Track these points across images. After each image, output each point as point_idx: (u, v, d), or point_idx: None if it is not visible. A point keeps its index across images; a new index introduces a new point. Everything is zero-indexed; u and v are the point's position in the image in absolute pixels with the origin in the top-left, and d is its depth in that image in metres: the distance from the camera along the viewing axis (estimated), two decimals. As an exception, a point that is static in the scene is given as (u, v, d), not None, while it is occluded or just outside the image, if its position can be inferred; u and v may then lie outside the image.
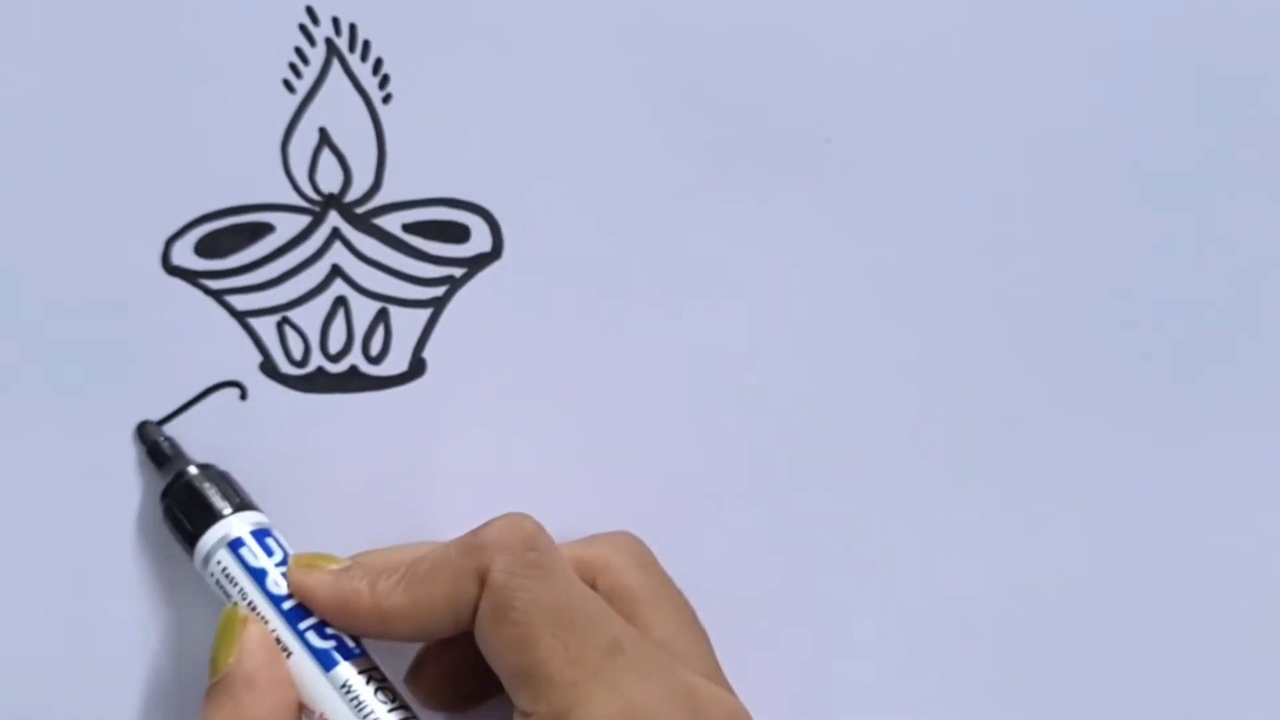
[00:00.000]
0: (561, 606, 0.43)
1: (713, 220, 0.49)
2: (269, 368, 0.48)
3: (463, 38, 0.48)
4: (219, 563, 0.46)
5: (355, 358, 0.48)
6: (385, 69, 0.48)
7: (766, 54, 0.49)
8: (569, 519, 0.47)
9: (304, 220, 0.48)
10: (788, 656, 0.49)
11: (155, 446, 0.47)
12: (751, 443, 0.49)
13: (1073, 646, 0.50)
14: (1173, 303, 0.50)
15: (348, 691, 0.44)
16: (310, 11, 0.47)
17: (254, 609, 0.45)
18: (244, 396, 0.48)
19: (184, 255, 0.48)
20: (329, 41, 0.48)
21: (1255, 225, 0.50)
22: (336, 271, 0.48)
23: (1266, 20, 0.50)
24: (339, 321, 0.48)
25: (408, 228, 0.48)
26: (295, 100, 0.48)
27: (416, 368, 0.48)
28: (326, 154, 0.48)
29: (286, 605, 0.45)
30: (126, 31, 0.47)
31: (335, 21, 0.48)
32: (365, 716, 0.43)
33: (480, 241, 0.48)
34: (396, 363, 0.48)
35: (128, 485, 0.48)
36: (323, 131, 0.48)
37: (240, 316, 0.48)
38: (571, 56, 0.48)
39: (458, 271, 0.48)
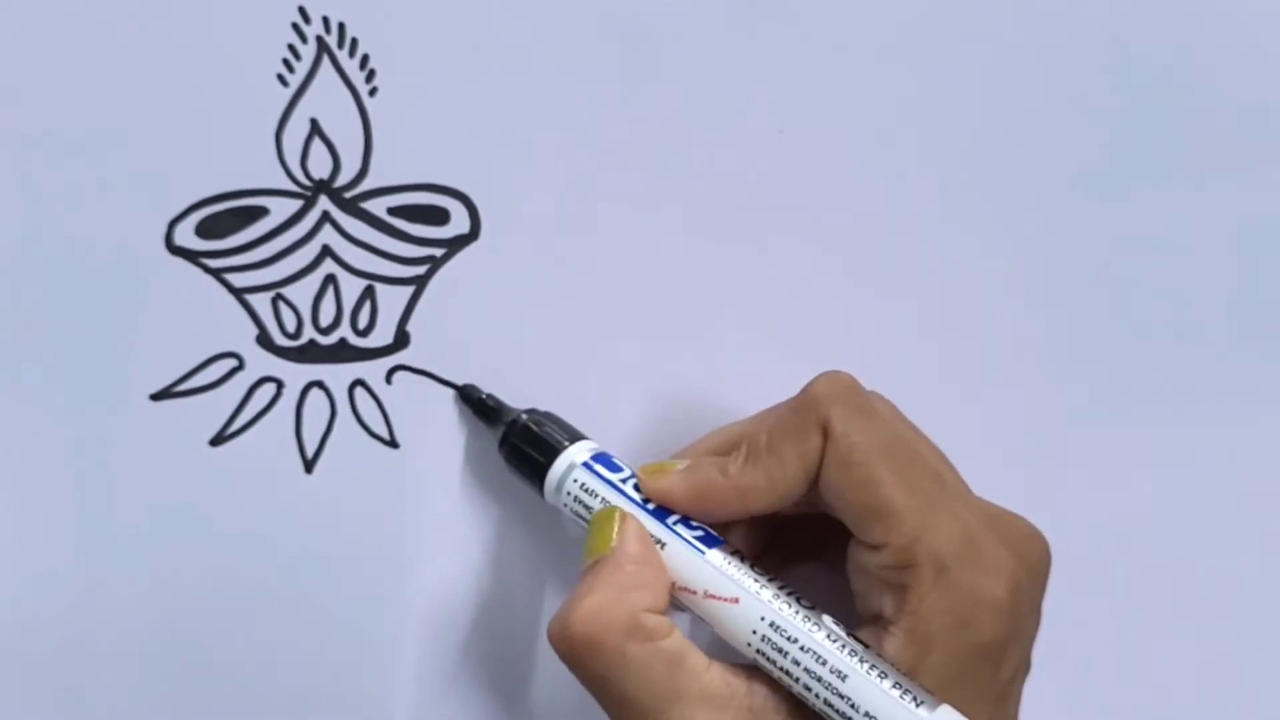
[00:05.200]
0: (894, 445, 0.45)
1: (674, 206, 0.52)
2: (265, 340, 0.51)
3: (444, 35, 0.50)
4: (576, 481, 0.48)
5: (344, 331, 0.51)
6: (372, 64, 0.50)
7: (726, 49, 0.51)
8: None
9: (296, 204, 0.50)
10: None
11: (481, 404, 0.50)
12: (721, 417, 0.51)
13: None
14: (1098, 287, 0.54)
15: (726, 569, 0.46)
16: (302, 11, 0.49)
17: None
18: (241, 367, 0.51)
19: (185, 236, 0.50)
20: (319, 39, 0.50)
21: (1178, 213, 0.54)
22: (326, 251, 0.50)
23: (1187, 20, 0.53)
24: (329, 297, 0.51)
25: (392, 211, 0.51)
26: (288, 93, 0.50)
27: (401, 340, 0.51)
28: (317, 143, 0.50)
29: (650, 507, 0.47)
30: (134, 31, 0.49)
31: (325, 20, 0.49)
32: (746, 588, 0.45)
33: (459, 224, 0.51)
34: (382, 335, 0.51)
35: (137, 450, 0.50)
36: (314, 122, 0.50)
37: (238, 293, 0.50)
38: (543, 53, 0.51)
39: (438, 252, 0.51)
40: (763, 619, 0.45)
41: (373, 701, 0.52)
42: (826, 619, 0.45)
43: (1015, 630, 0.45)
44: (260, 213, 0.50)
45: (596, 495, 0.48)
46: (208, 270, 0.50)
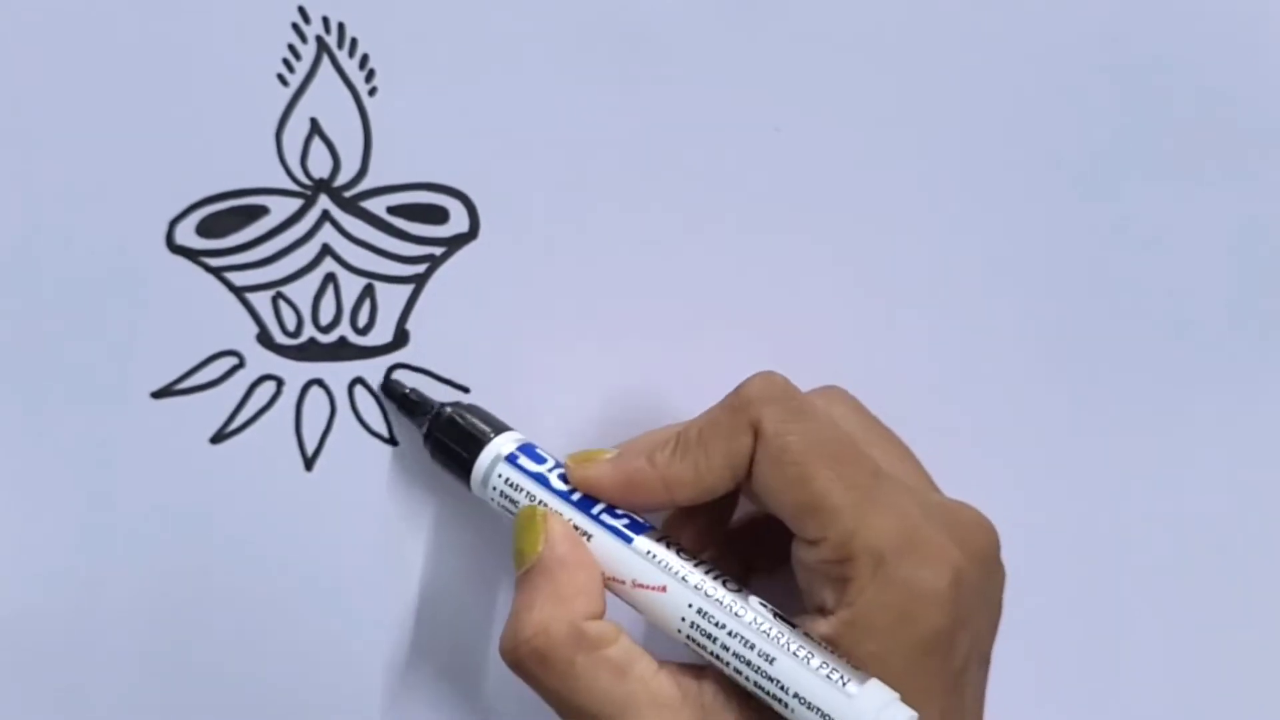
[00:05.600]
0: (829, 443, 0.46)
1: (673, 204, 0.52)
2: (265, 338, 0.51)
3: (443, 35, 0.50)
4: (500, 475, 0.48)
5: (344, 329, 0.51)
6: (371, 64, 0.50)
7: (724, 48, 0.51)
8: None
9: (296, 203, 0.50)
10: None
11: (404, 397, 0.50)
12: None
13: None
14: (1094, 284, 0.54)
15: (653, 557, 0.46)
16: (302, 11, 0.50)
17: (545, 507, 0.47)
18: (242, 365, 0.51)
19: (186, 235, 0.50)
20: (319, 39, 0.50)
21: (1177, 212, 0.54)
22: (326, 250, 0.51)
23: (1186, 19, 0.53)
24: (329, 296, 0.51)
25: (392, 210, 0.51)
26: (288, 93, 0.50)
27: (400, 338, 0.51)
28: (317, 142, 0.50)
29: (575, 498, 0.47)
30: (133, 31, 0.49)
31: (325, 20, 0.50)
32: (674, 575, 0.46)
33: (458, 223, 0.51)
34: (382, 334, 0.51)
35: (138, 448, 0.50)
36: (313, 121, 0.50)
37: (238, 291, 0.51)
38: (543, 53, 0.51)
39: (438, 250, 0.51)
40: (690, 606, 0.46)
41: (373, 699, 0.52)
42: (754, 601, 0.46)
43: (961, 620, 0.45)
44: (260, 212, 0.50)
45: (521, 490, 0.48)
46: (208, 269, 0.50)
